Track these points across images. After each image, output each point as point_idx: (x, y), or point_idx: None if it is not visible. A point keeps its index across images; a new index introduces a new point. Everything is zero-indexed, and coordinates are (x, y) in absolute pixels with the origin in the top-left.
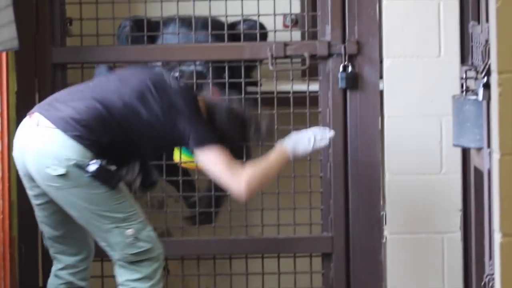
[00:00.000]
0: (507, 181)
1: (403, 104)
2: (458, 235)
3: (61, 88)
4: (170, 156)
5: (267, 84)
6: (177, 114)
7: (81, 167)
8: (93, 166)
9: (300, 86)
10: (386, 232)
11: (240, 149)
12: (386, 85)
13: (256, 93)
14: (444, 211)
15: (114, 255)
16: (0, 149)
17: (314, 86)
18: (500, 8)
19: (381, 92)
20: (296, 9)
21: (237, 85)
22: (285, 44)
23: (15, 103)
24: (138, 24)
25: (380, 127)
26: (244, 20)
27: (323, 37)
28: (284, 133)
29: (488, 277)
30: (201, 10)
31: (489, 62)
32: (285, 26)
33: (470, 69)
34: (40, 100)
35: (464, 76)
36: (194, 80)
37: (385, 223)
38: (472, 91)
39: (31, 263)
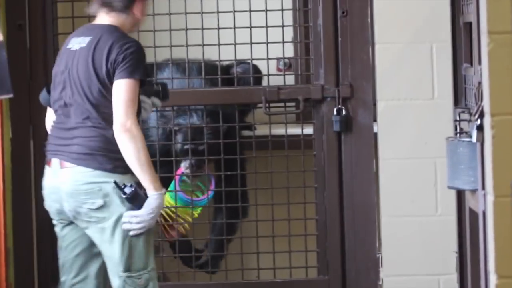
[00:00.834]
0: (502, 223)
1: (397, 147)
2: (454, 277)
3: None
4: None
5: (261, 128)
6: (105, 61)
7: (119, 187)
8: (128, 188)
9: (295, 130)
10: (382, 274)
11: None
12: (380, 127)
13: (251, 137)
14: (440, 253)
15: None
16: None
17: (309, 130)
18: (492, 50)
19: (375, 135)
20: (290, 53)
21: (232, 130)
22: (279, 88)
23: (10, 150)
24: None
25: (374, 169)
26: (239, 63)
27: (317, 81)
28: (279, 176)
29: None
30: (195, 56)
31: (482, 104)
32: (279, 70)
33: (463, 111)
34: (35, 147)
35: (457, 118)
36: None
37: (381, 265)
38: (466, 133)
39: None
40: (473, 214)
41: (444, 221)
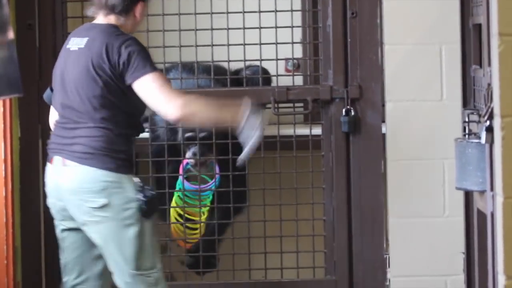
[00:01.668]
0: (510, 224)
1: (405, 148)
2: (461, 278)
3: None
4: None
5: (270, 128)
6: (107, 57)
7: (141, 188)
8: (149, 192)
9: (303, 130)
10: (389, 275)
11: None
12: (388, 128)
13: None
14: (447, 253)
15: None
16: (4, 194)
17: (317, 130)
18: (503, 52)
19: (384, 136)
20: (298, 53)
21: None
22: (288, 89)
23: (18, 149)
24: None
25: (383, 170)
26: (248, 66)
27: (326, 82)
28: (287, 177)
29: None
30: (204, 56)
31: (491, 106)
32: (287, 70)
33: (472, 113)
34: (44, 146)
35: (466, 120)
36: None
37: (389, 266)
38: (475, 134)
39: None
40: (481, 215)
41: (451, 222)
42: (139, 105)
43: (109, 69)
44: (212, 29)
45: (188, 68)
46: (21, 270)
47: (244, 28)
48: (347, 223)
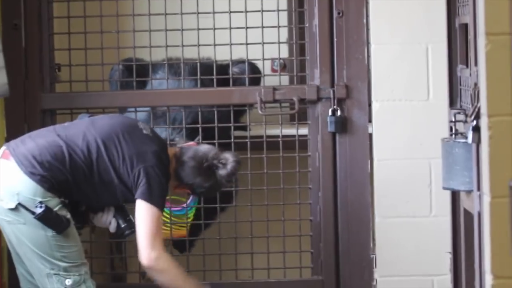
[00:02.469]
0: (498, 224)
1: (392, 147)
2: (448, 278)
3: None
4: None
5: (256, 128)
6: (139, 161)
7: (27, 208)
8: (39, 208)
9: (290, 130)
10: (376, 275)
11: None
12: (375, 128)
13: (246, 137)
14: (434, 253)
15: None
16: None
17: (304, 130)
18: (490, 52)
19: (370, 136)
20: (285, 53)
21: (226, 130)
22: (274, 89)
23: None
24: (129, 68)
25: (369, 170)
26: (237, 63)
27: (312, 81)
28: (274, 177)
29: None
30: (190, 54)
31: (478, 105)
32: (274, 70)
33: (459, 112)
34: None
35: (453, 119)
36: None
37: (375, 266)
38: (461, 134)
39: None
40: (468, 215)
41: (438, 221)
42: (106, 192)
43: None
44: (198, 29)
45: (176, 67)
46: (7, 271)
47: (231, 28)
48: (333, 223)
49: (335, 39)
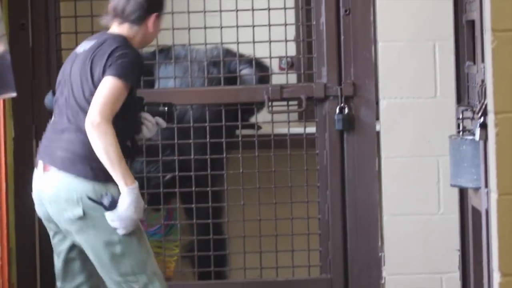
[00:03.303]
0: (505, 221)
1: (400, 145)
2: (456, 275)
3: None
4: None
5: (264, 126)
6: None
7: (94, 203)
8: (106, 200)
9: (297, 129)
10: (384, 273)
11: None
12: (382, 126)
13: (253, 136)
14: (442, 251)
15: None
16: None
17: (311, 128)
18: (496, 48)
19: (378, 133)
20: (292, 51)
21: (234, 128)
22: (282, 87)
23: (12, 149)
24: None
25: (377, 168)
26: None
27: (319, 79)
28: (282, 175)
29: None
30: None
31: (485, 102)
32: (281, 68)
33: (466, 109)
34: (38, 146)
35: (460, 116)
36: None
37: (384, 264)
38: (469, 131)
39: None
40: (476, 212)
41: (446, 219)
42: (130, 111)
43: (103, 70)
44: (205, 27)
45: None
46: (16, 271)
47: (238, 26)
48: (341, 221)
49: (342, 37)
